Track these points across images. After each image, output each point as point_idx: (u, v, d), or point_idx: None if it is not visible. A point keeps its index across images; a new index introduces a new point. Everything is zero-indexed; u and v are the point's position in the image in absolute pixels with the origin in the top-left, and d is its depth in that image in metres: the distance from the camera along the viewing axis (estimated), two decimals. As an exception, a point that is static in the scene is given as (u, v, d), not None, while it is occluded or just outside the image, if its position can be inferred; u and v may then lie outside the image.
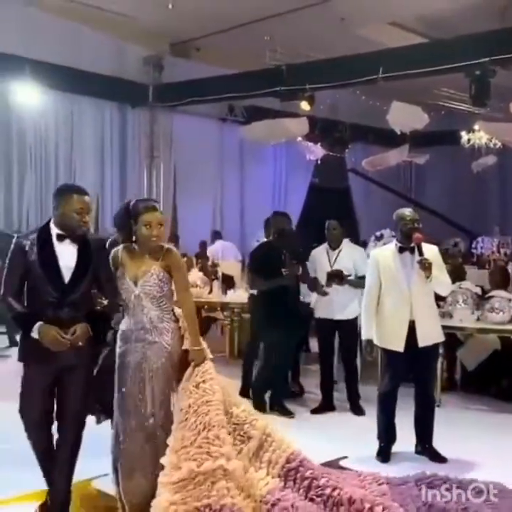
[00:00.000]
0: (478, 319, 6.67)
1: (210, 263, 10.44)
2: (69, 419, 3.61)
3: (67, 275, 3.54)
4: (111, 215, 10.14)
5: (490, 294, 7.00)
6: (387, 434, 5.00)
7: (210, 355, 3.79)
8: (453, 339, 6.80)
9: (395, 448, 5.00)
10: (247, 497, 3.48)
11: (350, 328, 6.13)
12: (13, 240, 3.60)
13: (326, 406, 6.26)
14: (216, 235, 13.15)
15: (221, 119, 14.51)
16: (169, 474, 3.44)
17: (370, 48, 10.22)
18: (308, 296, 6.66)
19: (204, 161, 14.27)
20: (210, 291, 9.02)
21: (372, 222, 13.27)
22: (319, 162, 15.33)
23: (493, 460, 4.86)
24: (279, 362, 6.18)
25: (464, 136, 14.67)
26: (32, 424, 3.55)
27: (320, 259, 6.35)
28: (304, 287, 6.46)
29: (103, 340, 3.75)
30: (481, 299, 6.94)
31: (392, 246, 5.03)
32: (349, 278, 6.16)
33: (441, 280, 4.91)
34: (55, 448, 3.64)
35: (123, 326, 3.77)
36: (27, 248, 3.51)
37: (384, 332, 4.92)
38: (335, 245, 6.37)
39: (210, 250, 12.21)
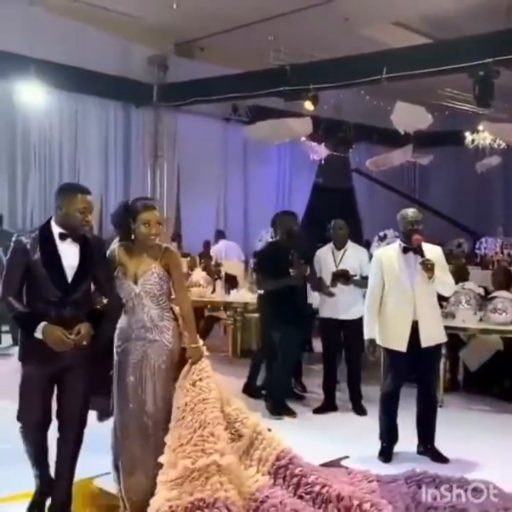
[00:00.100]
0: (480, 320, 6.67)
1: (213, 263, 10.44)
2: (70, 418, 3.61)
3: (70, 274, 3.53)
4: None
5: (493, 294, 7.00)
6: (389, 434, 5.01)
7: (207, 353, 3.83)
8: (456, 340, 6.80)
9: (397, 448, 5.01)
10: (239, 493, 3.51)
11: (354, 328, 6.10)
12: (13, 239, 3.55)
13: (328, 406, 6.27)
14: (220, 235, 13.16)
15: (225, 118, 14.52)
16: (166, 472, 3.47)
17: (374, 48, 10.21)
18: (310, 295, 6.66)
19: (208, 160, 14.28)
20: (213, 291, 9.04)
21: (375, 222, 13.27)
22: (323, 162, 15.32)
23: (495, 460, 4.86)
24: (284, 361, 6.16)
25: (468, 136, 14.64)
26: (31, 424, 3.53)
27: (325, 259, 6.34)
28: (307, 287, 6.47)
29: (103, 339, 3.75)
30: (484, 300, 6.94)
31: (396, 246, 5.03)
32: (355, 278, 6.16)
33: (444, 281, 4.91)
34: (48, 449, 3.64)
35: (121, 324, 3.79)
36: (28, 247, 3.48)
37: (387, 332, 4.93)
38: (340, 245, 6.37)
39: (214, 250, 12.22)
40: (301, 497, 3.74)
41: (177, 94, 12.53)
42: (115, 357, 3.79)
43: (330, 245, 6.43)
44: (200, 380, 3.67)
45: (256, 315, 8.60)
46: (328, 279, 6.23)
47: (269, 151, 15.64)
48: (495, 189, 17.58)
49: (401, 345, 4.82)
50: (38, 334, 3.39)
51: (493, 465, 4.74)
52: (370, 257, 5.86)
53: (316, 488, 3.76)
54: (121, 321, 3.80)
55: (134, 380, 3.71)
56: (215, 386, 3.71)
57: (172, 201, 13.75)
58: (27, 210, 11.78)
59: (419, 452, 5.02)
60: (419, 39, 11.22)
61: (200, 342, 3.84)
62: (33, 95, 10.82)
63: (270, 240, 7.82)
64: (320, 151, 14.62)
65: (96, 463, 4.12)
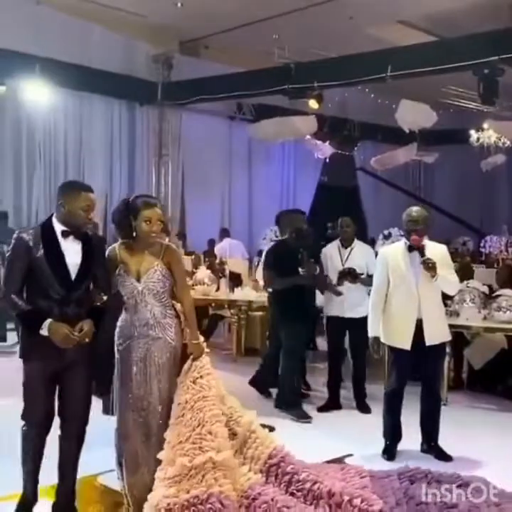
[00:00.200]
0: (485, 318, 6.66)
1: (217, 261, 10.45)
2: (72, 416, 3.62)
3: (73, 272, 3.53)
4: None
5: (497, 292, 6.99)
6: (392, 433, 5.01)
7: (207, 349, 3.84)
8: (460, 338, 6.80)
9: (401, 446, 5.01)
10: (233, 489, 3.56)
11: (360, 326, 6.08)
12: (14, 236, 3.52)
13: (332, 404, 6.27)
14: (224, 233, 13.16)
15: (229, 117, 14.53)
16: (164, 469, 3.52)
17: (378, 46, 10.19)
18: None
19: (212, 159, 14.30)
20: (218, 289, 9.04)
21: (380, 220, 13.27)
22: (328, 160, 15.33)
23: (499, 458, 4.86)
24: (290, 360, 6.11)
25: (473, 134, 14.62)
26: (36, 423, 3.54)
27: (332, 257, 6.33)
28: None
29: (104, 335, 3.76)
30: (489, 298, 6.94)
31: (402, 244, 5.03)
32: (361, 276, 6.15)
33: (448, 279, 4.89)
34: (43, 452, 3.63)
35: (122, 322, 3.79)
36: (31, 244, 3.46)
37: (391, 330, 4.93)
38: (347, 243, 6.36)
39: (218, 248, 12.23)
40: (292, 494, 3.79)
41: (181, 92, 12.53)
42: (117, 355, 3.80)
43: (336, 243, 6.42)
44: (201, 377, 3.70)
45: (260, 313, 8.65)
46: (334, 277, 6.22)
47: (273, 149, 15.65)
48: (500, 187, 17.56)
49: (405, 344, 4.82)
50: (44, 331, 3.38)
51: (497, 463, 4.74)
52: (375, 255, 5.86)
53: (307, 485, 3.81)
54: (123, 319, 3.80)
55: (138, 377, 3.72)
56: (215, 383, 3.74)
57: (176, 199, 13.76)
58: (32, 207, 11.81)
59: (422, 450, 5.03)
60: (424, 37, 11.20)
61: (201, 338, 3.86)
62: (38, 93, 10.84)
63: (275, 238, 7.84)
64: (324, 150, 14.62)
65: (100, 460, 4.15)
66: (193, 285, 8.77)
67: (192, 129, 13.66)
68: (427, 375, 5.02)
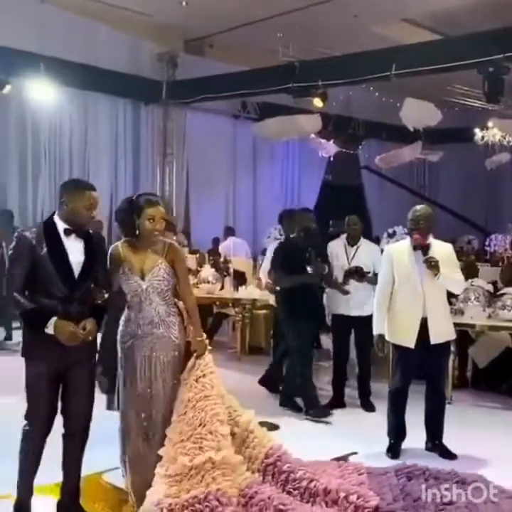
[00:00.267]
0: (489, 316, 6.66)
1: (221, 259, 10.46)
2: (76, 414, 3.62)
3: (76, 270, 3.52)
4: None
5: (502, 291, 6.98)
6: (397, 431, 5.01)
7: (209, 347, 3.86)
8: (464, 336, 6.79)
9: (405, 444, 5.01)
10: (230, 486, 3.59)
11: (366, 324, 6.07)
12: (16, 234, 3.50)
13: (336, 402, 6.26)
14: (229, 231, 13.13)
15: (234, 115, 14.53)
16: (165, 466, 3.54)
17: (383, 45, 10.18)
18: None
19: (217, 157, 14.31)
20: (222, 288, 9.06)
21: (384, 219, 13.24)
22: (332, 159, 15.32)
23: (504, 457, 4.85)
24: (301, 360, 6.06)
25: (478, 133, 14.58)
26: (39, 424, 3.53)
27: (338, 255, 6.31)
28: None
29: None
30: (493, 297, 6.93)
31: (407, 242, 5.02)
32: (368, 275, 6.12)
33: (452, 278, 4.89)
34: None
35: (126, 320, 3.80)
36: (34, 242, 3.44)
37: (396, 328, 4.93)
38: (354, 241, 6.35)
39: (222, 247, 12.22)
40: (289, 493, 3.82)
41: (186, 91, 12.54)
42: (120, 353, 3.81)
43: (342, 241, 6.40)
44: (204, 376, 3.72)
45: (264, 312, 8.65)
46: (340, 275, 6.21)
47: (278, 148, 15.65)
48: (504, 186, 17.51)
49: (409, 342, 4.82)
50: (50, 330, 3.37)
51: (501, 462, 4.74)
52: (381, 253, 5.85)
53: (304, 484, 3.84)
54: (126, 318, 3.81)
55: (143, 375, 3.73)
56: (217, 382, 3.76)
57: (181, 198, 13.78)
58: (37, 207, 11.83)
59: (427, 449, 5.03)
60: (429, 35, 11.19)
61: (204, 336, 3.88)
62: (43, 93, 10.86)
63: (279, 236, 7.83)
64: (329, 148, 14.61)
65: (105, 458, 4.16)
66: (197, 283, 8.78)
67: (196, 127, 13.68)
68: (431, 373, 5.02)
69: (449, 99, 14.10)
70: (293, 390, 6.22)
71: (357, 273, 6.13)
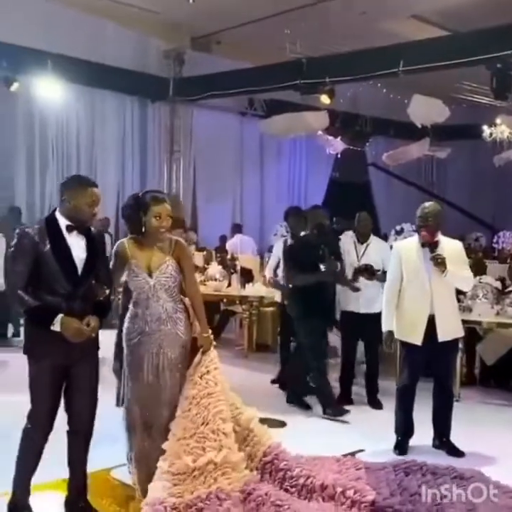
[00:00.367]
0: (497, 314, 6.64)
1: (228, 257, 10.46)
2: (81, 411, 3.62)
3: (79, 267, 3.51)
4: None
5: (510, 288, 6.96)
6: (404, 428, 5.00)
7: (214, 343, 3.87)
8: (472, 333, 6.77)
9: (413, 442, 5.00)
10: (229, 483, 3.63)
11: (375, 321, 6.04)
12: (17, 231, 3.48)
13: (344, 399, 6.23)
14: (236, 228, 13.13)
15: (241, 112, 14.50)
16: (168, 460, 3.56)
17: (390, 41, 10.14)
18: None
19: (224, 154, 14.30)
20: (229, 285, 9.06)
21: (392, 216, 13.21)
22: (339, 156, 15.27)
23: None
24: (314, 359, 5.98)
25: (486, 130, 14.51)
26: (42, 424, 3.52)
27: (348, 252, 6.28)
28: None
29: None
30: (501, 294, 6.90)
31: (415, 239, 5.00)
32: (378, 273, 6.08)
33: (461, 275, 4.87)
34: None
35: (133, 317, 3.80)
36: (37, 239, 3.42)
37: (403, 325, 4.92)
38: (363, 239, 6.33)
39: (229, 244, 12.22)
40: (286, 490, 3.85)
41: (193, 88, 12.53)
42: (126, 350, 3.82)
43: (352, 238, 6.37)
44: (208, 372, 3.74)
45: (271, 309, 8.64)
46: (349, 272, 6.18)
47: (285, 145, 15.63)
48: (513, 183, 17.42)
49: (417, 339, 4.81)
50: (56, 327, 3.36)
51: (509, 459, 4.72)
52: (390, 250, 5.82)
53: (301, 481, 3.88)
54: (132, 314, 3.81)
55: (150, 372, 3.74)
56: (221, 378, 3.78)
57: (188, 195, 13.78)
58: (45, 203, 11.85)
59: (434, 446, 5.02)
60: (436, 32, 11.15)
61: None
62: (50, 90, 10.87)
63: (285, 234, 7.81)
64: (336, 145, 14.57)
65: (112, 454, 4.18)
66: (204, 281, 8.79)
67: (203, 124, 13.67)
68: (439, 371, 5.01)
69: (457, 96, 14.03)
70: (301, 388, 6.21)
71: (367, 271, 6.11)
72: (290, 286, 6.27)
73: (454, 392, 5.44)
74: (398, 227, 8.60)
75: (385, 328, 4.99)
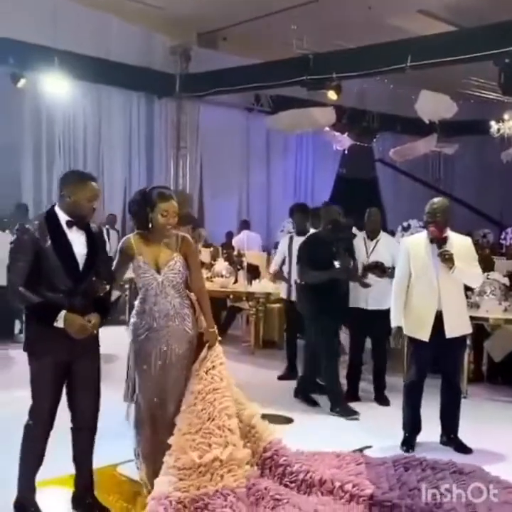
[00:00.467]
0: (505, 310, 6.62)
1: (235, 253, 10.45)
2: (84, 407, 3.62)
3: (80, 263, 3.50)
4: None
5: (518, 284, 6.93)
6: (412, 425, 5.00)
7: (219, 338, 3.89)
8: (480, 330, 6.74)
9: (420, 438, 5.00)
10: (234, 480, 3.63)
11: (384, 318, 6.00)
12: (17, 227, 3.50)
13: (351, 396, 6.22)
14: (244, 225, 13.12)
15: (247, 108, 14.47)
16: (174, 455, 3.57)
17: (397, 37, 10.09)
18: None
19: (230, 151, 14.28)
20: (236, 281, 9.05)
21: (399, 212, 13.19)
22: (346, 152, 15.24)
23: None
24: (327, 357, 5.94)
25: (494, 125, 14.45)
26: (43, 421, 3.52)
27: (358, 248, 6.25)
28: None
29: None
30: (509, 290, 6.88)
31: (423, 235, 4.98)
32: (389, 270, 6.02)
33: (469, 272, 4.85)
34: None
35: (140, 313, 3.80)
36: (37, 235, 3.40)
37: (411, 321, 4.91)
38: (373, 235, 6.30)
39: (236, 240, 12.22)
40: (286, 486, 3.88)
41: (199, 84, 12.51)
42: (134, 345, 3.82)
43: (362, 234, 6.35)
44: (213, 367, 3.75)
45: (278, 305, 8.63)
46: (359, 268, 6.16)
47: (291, 141, 15.60)
48: (520, 179, 17.35)
49: (424, 335, 4.80)
50: (59, 323, 3.35)
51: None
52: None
53: (301, 476, 3.91)
54: (139, 310, 3.81)
55: (158, 368, 3.74)
56: (227, 374, 3.79)
57: (195, 192, 13.77)
58: (52, 200, 11.82)
59: (442, 442, 5.01)
60: (444, 27, 11.08)
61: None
62: (57, 86, 10.87)
63: (292, 230, 7.79)
64: (343, 141, 14.54)
65: (119, 450, 4.18)
66: (211, 277, 8.78)
67: (210, 121, 13.66)
68: (446, 367, 4.99)
69: (464, 92, 13.97)
70: (310, 385, 6.20)
71: (378, 268, 6.09)
72: (302, 283, 6.22)
73: (462, 389, 5.42)
74: (405, 224, 8.59)
75: (393, 323, 4.98)
